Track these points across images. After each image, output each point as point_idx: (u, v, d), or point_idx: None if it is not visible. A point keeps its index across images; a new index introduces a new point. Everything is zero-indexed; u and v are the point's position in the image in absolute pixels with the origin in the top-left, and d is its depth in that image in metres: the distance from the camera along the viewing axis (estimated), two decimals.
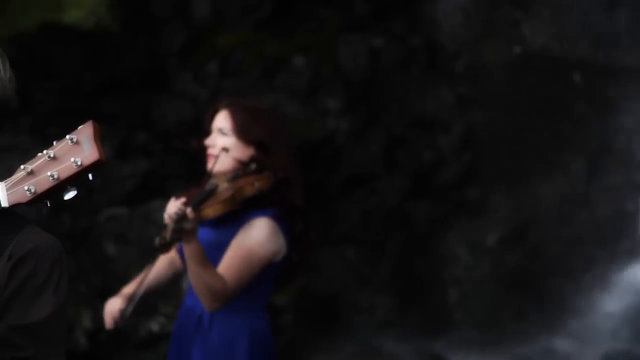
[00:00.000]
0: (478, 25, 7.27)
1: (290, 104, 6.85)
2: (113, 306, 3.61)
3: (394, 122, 7.05)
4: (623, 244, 6.83)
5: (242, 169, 3.54)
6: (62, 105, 6.73)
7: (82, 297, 5.90)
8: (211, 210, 3.43)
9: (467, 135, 7.13)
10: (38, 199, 1.89)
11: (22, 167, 1.91)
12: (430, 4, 7.29)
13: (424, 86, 7.15)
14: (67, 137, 1.89)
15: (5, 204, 1.91)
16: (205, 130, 3.65)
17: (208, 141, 3.59)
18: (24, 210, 1.95)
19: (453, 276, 6.90)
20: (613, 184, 7.00)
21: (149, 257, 3.62)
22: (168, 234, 3.32)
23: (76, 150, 1.88)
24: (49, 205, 1.90)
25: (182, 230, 3.33)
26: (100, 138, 1.89)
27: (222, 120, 3.58)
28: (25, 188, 1.89)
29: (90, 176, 1.89)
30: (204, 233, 3.51)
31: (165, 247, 3.36)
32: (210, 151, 3.58)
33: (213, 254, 3.45)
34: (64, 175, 1.88)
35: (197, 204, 3.39)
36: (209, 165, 3.59)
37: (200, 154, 3.66)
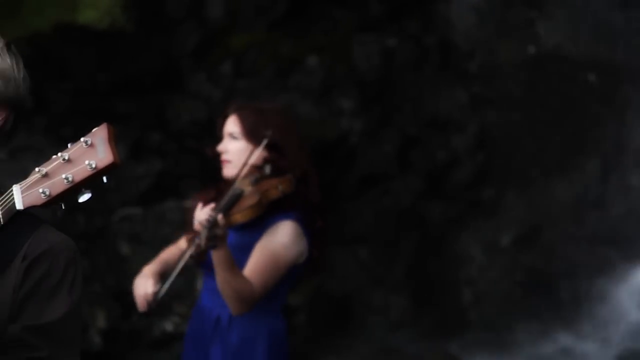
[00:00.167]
0: (492, 25, 7.26)
1: (303, 104, 6.85)
2: (145, 288, 3.56)
3: (408, 122, 7.04)
4: (638, 244, 6.82)
5: (259, 172, 3.54)
6: (77, 106, 6.75)
7: (96, 297, 5.92)
8: (240, 216, 3.44)
9: (481, 135, 7.12)
10: (53, 202, 1.90)
11: (36, 169, 1.91)
12: (444, 3, 7.29)
13: (438, 86, 7.14)
14: (82, 139, 1.90)
15: (20, 207, 1.91)
16: (217, 136, 3.65)
17: (220, 147, 3.60)
18: (39, 211, 1.96)
19: (467, 276, 6.89)
20: (628, 184, 6.98)
21: None
22: (203, 242, 3.32)
23: (90, 152, 1.88)
24: (63, 207, 1.91)
25: (215, 237, 3.33)
26: (115, 140, 1.89)
27: (231, 125, 3.58)
28: (40, 191, 1.90)
29: (104, 179, 1.89)
30: (228, 236, 3.51)
31: (201, 255, 3.36)
32: (224, 157, 3.59)
33: (237, 257, 3.45)
34: (79, 177, 1.88)
35: (226, 209, 3.39)
36: (224, 171, 3.59)
37: (214, 157, 3.66)
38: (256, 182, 3.51)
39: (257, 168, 3.54)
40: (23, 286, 2.03)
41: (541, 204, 6.99)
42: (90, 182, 1.89)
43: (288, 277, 3.53)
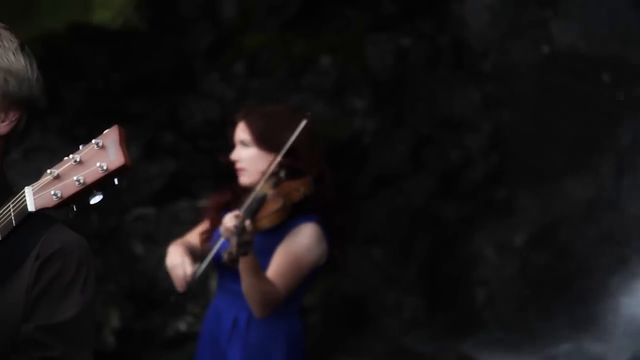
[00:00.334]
0: (505, 25, 7.25)
1: (317, 103, 6.85)
2: (184, 269, 3.54)
3: (421, 122, 7.04)
4: None
5: (276, 176, 3.54)
6: (90, 106, 6.77)
7: (110, 296, 5.93)
8: (267, 221, 3.45)
9: (495, 135, 7.11)
10: (64, 203, 1.90)
11: (48, 171, 1.92)
12: (457, 3, 7.28)
13: (452, 86, 7.13)
14: (93, 141, 1.90)
15: (32, 209, 1.91)
16: (229, 143, 3.65)
17: (233, 156, 3.59)
18: (51, 212, 1.96)
19: (481, 276, 6.88)
20: None
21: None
22: (234, 249, 3.32)
23: (102, 154, 1.88)
24: (75, 209, 1.91)
25: (246, 243, 3.34)
26: (126, 142, 1.89)
27: (241, 132, 3.58)
28: (52, 192, 1.90)
29: (115, 180, 1.89)
30: None
31: (234, 263, 3.35)
32: (238, 165, 3.58)
33: (260, 260, 3.45)
34: (90, 179, 1.88)
35: (252, 215, 3.40)
36: (241, 179, 3.58)
37: (228, 164, 3.66)
38: (276, 185, 3.51)
39: (273, 173, 3.54)
40: (35, 286, 2.03)
41: (555, 203, 6.98)
42: (102, 184, 1.89)
43: (308, 278, 3.54)
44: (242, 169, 3.57)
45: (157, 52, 7.12)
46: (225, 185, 3.68)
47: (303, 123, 3.50)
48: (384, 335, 6.62)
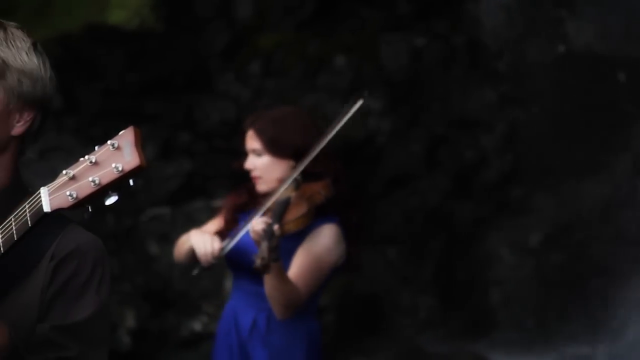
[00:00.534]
0: (521, 24, 7.23)
1: (331, 103, 6.84)
2: (212, 244, 3.53)
3: (436, 122, 7.03)
4: None
5: (295, 179, 3.54)
6: (106, 106, 6.78)
7: (125, 296, 5.94)
8: (294, 225, 3.46)
9: (510, 135, 7.10)
10: (80, 204, 1.90)
11: (64, 172, 1.92)
12: (472, 3, 7.26)
13: (466, 86, 7.12)
14: (109, 142, 1.90)
15: (47, 209, 1.92)
16: (243, 151, 3.65)
17: (247, 165, 3.59)
18: (67, 213, 1.96)
19: (496, 276, 6.87)
20: None
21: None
22: (266, 254, 3.33)
23: (117, 155, 1.88)
24: (90, 210, 1.92)
25: (276, 248, 3.35)
26: (142, 143, 1.89)
27: (251, 141, 3.58)
28: (67, 193, 1.90)
29: (131, 181, 1.90)
30: None
31: (266, 268, 3.36)
32: (253, 174, 3.58)
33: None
34: (105, 180, 1.88)
35: (279, 219, 3.41)
36: (257, 187, 3.58)
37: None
38: (297, 187, 3.51)
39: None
40: (51, 286, 2.04)
41: (570, 203, 6.96)
42: (117, 184, 1.89)
43: (327, 279, 3.56)
44: (258, 177, 3.57)
45: (172, 53, 7.14)
46: (241, 185, 3.69)
47: (359, 102, 3.51)
48: (399, 335, 6.61)
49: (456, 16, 7.29)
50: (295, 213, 3.47)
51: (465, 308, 6.80)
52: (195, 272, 3.64)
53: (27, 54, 2.08)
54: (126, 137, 1.89)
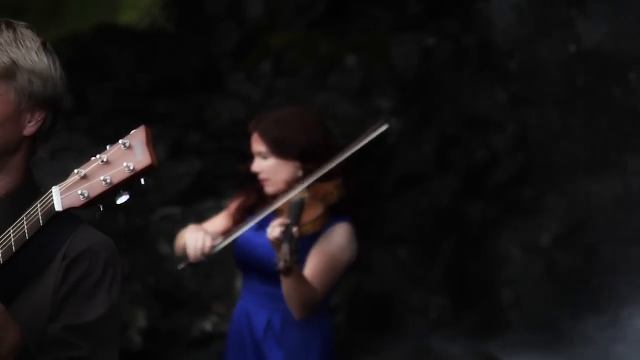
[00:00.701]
0: (532, 24, 7.22)
1: (342, 103, 6.85)
2: (204, 241, 3.54)
3: (447, 122, 7.02)
4: None
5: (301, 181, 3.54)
6: (117, 106, 6.80)
7: (136, 296, 5.95)
8: (311, 227, 3.48)
9: (521, 135, 7.09)
10: (91, 203, 1.90)
11: (75, 171, 1.92)
12: (484, 2, 7.26)
13: (478, 86, 7.11)
14: (120, 142, 1.90)
15: (59, 208, 1.92)
16: (244, 149, 3.65)
17: (254, 168, 3.60)
18: (79, 212, 1.96)
19: (507, 276, 6.86)
20: None
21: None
22: (289, 257, 3.34)
23: (129, 155, 1.89)
24: (102, 209, 1.92)
25: (297, 250, 3.36)
26: (153, 143, 1.90)
27: (257, 144, 3.59)
28: (79, 192, 1.91)
29: (142, 181, 1.90)
30: None
31: (290, 271, 3.37)
32: (261, 177, 3.59)
33: None
34: (117, 180, 1.89)
35: (297, 221, 3.41)
36: (266, 189, 3.58)
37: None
38: (309, 188, 3.51)
39: (299, 179, 3.55)
40: (63, 286, 2.04)
41: (582, 203, 6.95)
42: (129, 184, 1.89)
43: (341, 278, 3.57)
44: (266, 180, 3.58)
45: (183, 53, 7.14)
46: (251, 185, 3.69)
47: (384, 127, 3.52)
48: (410, 335, 6.61)
49: (467, 16, 7.28)
50: (313, 214, 3.48)
51: (477, 308, 6.80)
52: (180, 266, 3.64)
53: (37, 54, 2.08)
54: (138, 137, 1.89)
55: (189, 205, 6.35)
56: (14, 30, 2.09)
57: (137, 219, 6.28)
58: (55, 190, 1.93)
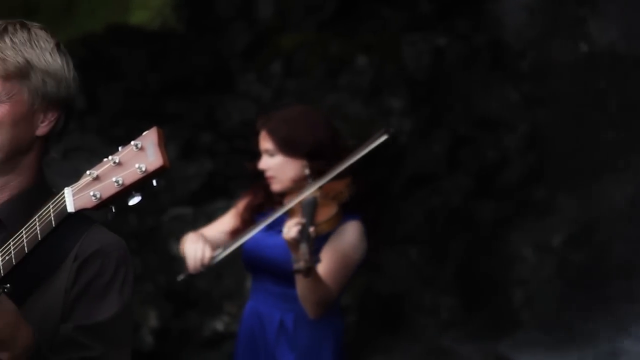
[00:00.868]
0: (543, 24, 7.21)
1: (353, 103, 6.84)
2: (203, 251, 3.56)
3: (458, 122, 7.01)
4: None
5: (307, 180, 3.55)
6: (128, 106, 6.81)
7: (147, 296, 5.96)
8: (326, 226, 3.49)
9: (532, 135, 7.08)
10: (103, 204, 1.91)
11: (87, 172, 1.92)
12: (494, 2, 7.25)
13: (489, 85, 7.10)
14: (132, 143, 1.90)
15: (71, 209, 1.92)
16: (254, 149, 3.66)
17: (261, 165, 3.61)
18: (90, 212, 1.97)
19: (518, 276, 6.85)
20: None
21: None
22: (308, 257, 3.34)
23: (141, 156, 1.89)
24: (113, 210, 1.92)
25: (316, 250, 3.36)
26: (165, 144, 1.90)
27: (264, 141, 3.60)
28: (91, 193, 1.91)
29: (154, 182, 1.90)
30: None
31: (310, 270, 3.37)
32: (267, 174, 3.60)
33: None
34: (129, 181, 1.89)
35: (312, 220, 3.42)
36: (272, 187, 3.59)
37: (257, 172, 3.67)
38: (320, 187, 3.52)
39: (306, 177, 3.55)
40: (74, 286, 2.05)
41: (593, 203, 6.93)
42: (140, 185, 1.89)
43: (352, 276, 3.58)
44: (272, 177, 3.59)
45: (194, 53, 7.15)
46: (257, 184, 3.69)
47: (384, 137, 3.52)
48: (421, 335, 6.60)
49: (478, 16, 7.27)
50: (327, 213, 3.48)
51: (488, 308, 6.79)
52: (180, 277, 3.65)
53: (50, 54, 2.09)
54: (150, 138, 1.90)
55: (199, 206, 6.36)
56: (28, 30, 2.09)
57: (148, 219, 6.29)
58: (67, 191, 1.94)
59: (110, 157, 1.92)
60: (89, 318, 2.03)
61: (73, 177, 1.98)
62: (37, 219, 1.96)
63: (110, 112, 6.79)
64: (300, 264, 3.34)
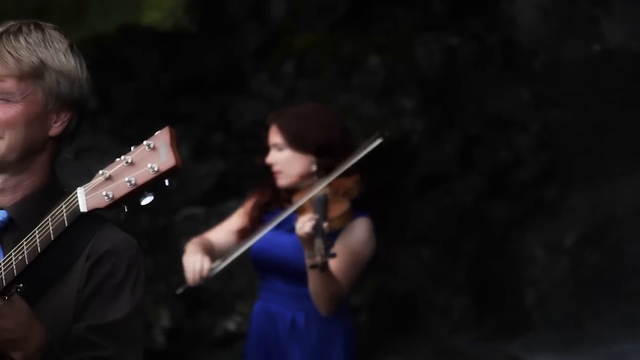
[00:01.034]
0: (556, 23, 7.19)
1: (365, 103, 6.84)
2: (202, 264, 3.57)
3: (470, 122, 7.01)
4: None
5: (315, 176, 3.55)
6: (141, 106, 6.82)
7: (160, 296, 5.97)
8: (339, 222, 3.49)
9: (545, 135, 7.06)
10: (116, 204, 1.91)
11: (100, 172, 1.93)
12: (507, 2, 7.24)
13: (501, 85, 7.09)
14: (144, 142, 1.90)
15: (84, 209, 1.92)
16: (265, 146, 3.66)
17: (269, 159, 3.62)
18: (103, 212, 1.97)
19: (530, 277, 6.84)
20: None
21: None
22: (323, 252, 3.35)
23: (153, 156, 1.89)
24: (126, 210, 1.92)
25: (330, 245, 3.36)
26: (177, 144, 1.90)
27: (274, 136, 3.60)
28: (104, 193, 1.91)
29: (166, 182, 1.90)
30: None
31: (325, 265, 3.38)
32: (274, 169, 3.60)
33: None
34: (141, 180, 1.88)
35: (325, 216, 3.42)
36: (278, 181, 3.60)
37: (264, 167, 3.67)
38: (329, 183, 3.52)
39: (314, 173, 3.55)
40: (87, 286, 2.05)
41: (606, 203, 6.91)
42: (153, 185, 1.89)
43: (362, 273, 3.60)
44: (279, 172, 3.59)
45: (206, 53, 7.16)
46: (264, 182, 3.69)
47: (378, 141, 3.52)
48: (433, 335, 6.60)
49: (490, 15, 7.26)
50: (339, 209, 3.49)
51: (500, 308, 6.78)
52: (179, 290, 3.66)
53: (64, 55, 2.09)
54: (162, 138, 1.90)
55: (212, 206, 6.36)
56: (42, 31, 2.10)
57: (160, 219, 6.30)
58: (80, 191, 1.94)
59: (122, 157, 1.92)
60: (101, 318, 2.04)
61: (85, 177, 1.98)
62: (49, 219, 1.96)
63: (123, 112, 6.80)
64: (316, 259, 3.35)
